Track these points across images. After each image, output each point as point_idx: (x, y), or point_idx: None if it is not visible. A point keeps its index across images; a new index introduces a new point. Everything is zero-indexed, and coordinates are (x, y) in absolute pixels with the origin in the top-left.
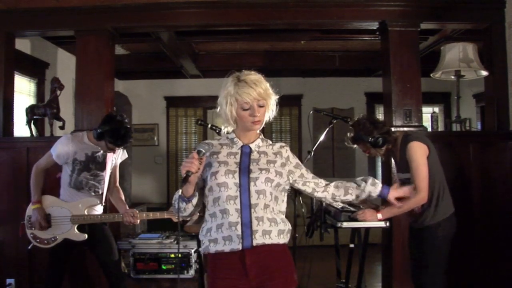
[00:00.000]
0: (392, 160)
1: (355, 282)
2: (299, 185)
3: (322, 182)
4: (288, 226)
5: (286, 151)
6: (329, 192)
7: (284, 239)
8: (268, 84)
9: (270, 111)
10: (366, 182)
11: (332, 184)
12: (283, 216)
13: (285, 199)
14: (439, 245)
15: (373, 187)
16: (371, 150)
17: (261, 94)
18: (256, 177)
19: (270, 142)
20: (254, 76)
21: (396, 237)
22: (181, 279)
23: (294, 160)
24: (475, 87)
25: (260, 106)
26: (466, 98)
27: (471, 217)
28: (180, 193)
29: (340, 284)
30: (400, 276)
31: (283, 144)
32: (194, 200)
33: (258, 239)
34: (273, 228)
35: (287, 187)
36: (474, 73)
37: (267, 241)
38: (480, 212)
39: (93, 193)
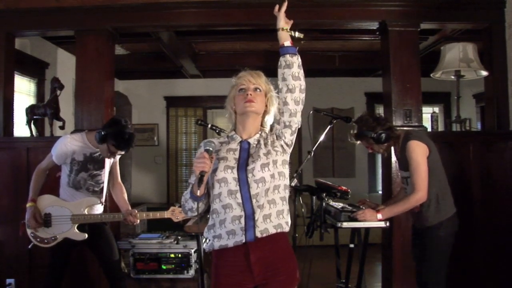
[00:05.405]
0: (394, 158)
1: (355, 282)
2: (286, 119)
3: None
4: (286, 206)
5: (271, 133)
6: (281, 85)
7: (284, 219)
8: (267, 80)
9: (271, 105)
10: None
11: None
12: (285, 194)
13: (287, 171)
14: (441, 244)
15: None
16: (373, 146)
17: (258, 81)
18: (252, 168)
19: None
20: (255, 70)
21: (396, 237)
22: (181, 279)
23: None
24: (475, 87)
25: (256, 90)
26: (466, 98)
27: (471, 217)
28: (189, 193)
29: (340, 284)
30: (400, 276)
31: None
32: (205, 199)
33: (260, 226)
34: (272, 210)
35: (286, 157)
36: (474, 73)
37: (269, 225)
38: (480, 212)
39: (91, 193)
